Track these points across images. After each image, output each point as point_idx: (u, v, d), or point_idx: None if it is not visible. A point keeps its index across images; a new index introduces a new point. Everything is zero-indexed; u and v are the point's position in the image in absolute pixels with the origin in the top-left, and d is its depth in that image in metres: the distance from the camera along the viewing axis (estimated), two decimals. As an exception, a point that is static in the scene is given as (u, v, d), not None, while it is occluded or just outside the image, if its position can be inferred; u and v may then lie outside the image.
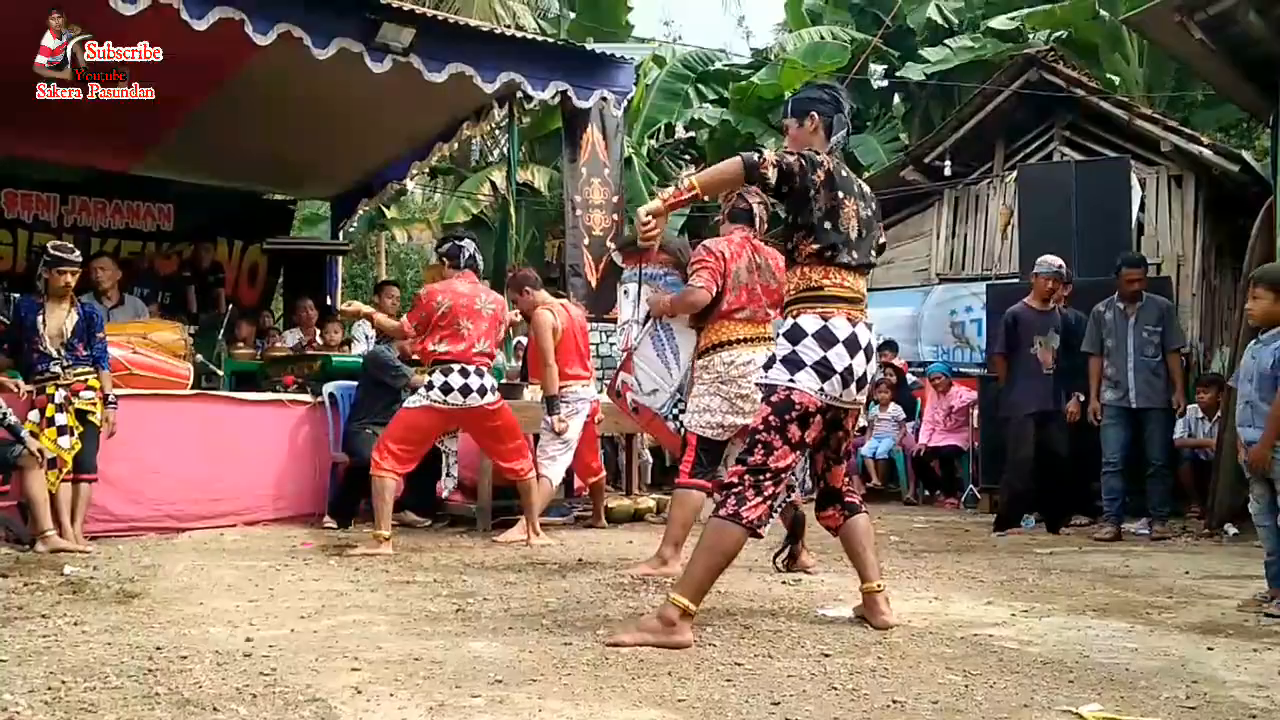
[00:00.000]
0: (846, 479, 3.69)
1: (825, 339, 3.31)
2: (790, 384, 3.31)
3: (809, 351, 3.31)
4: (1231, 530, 6.41)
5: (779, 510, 4.48)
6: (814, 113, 3.53)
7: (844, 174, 3.44)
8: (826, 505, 3.68)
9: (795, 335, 3.35)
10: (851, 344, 3.34)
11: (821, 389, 3.30)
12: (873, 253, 3.55)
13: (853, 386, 3.37)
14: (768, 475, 3.29)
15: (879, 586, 3.56)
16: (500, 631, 3.41)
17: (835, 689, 2.73)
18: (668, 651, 3.09)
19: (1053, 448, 6.67)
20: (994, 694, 2.71)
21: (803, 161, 3.34)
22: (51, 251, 5.57)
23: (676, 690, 2.69)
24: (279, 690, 2.66)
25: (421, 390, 5.52)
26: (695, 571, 3.28)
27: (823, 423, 3.39)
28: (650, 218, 3.40)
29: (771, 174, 3.29)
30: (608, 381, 5.46)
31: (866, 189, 3.56)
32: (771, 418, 3.32)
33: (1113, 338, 6.68)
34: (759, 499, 3.27)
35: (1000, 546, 6.02)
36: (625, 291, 5.11)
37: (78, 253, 5.63)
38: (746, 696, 2.65)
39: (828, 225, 3.35)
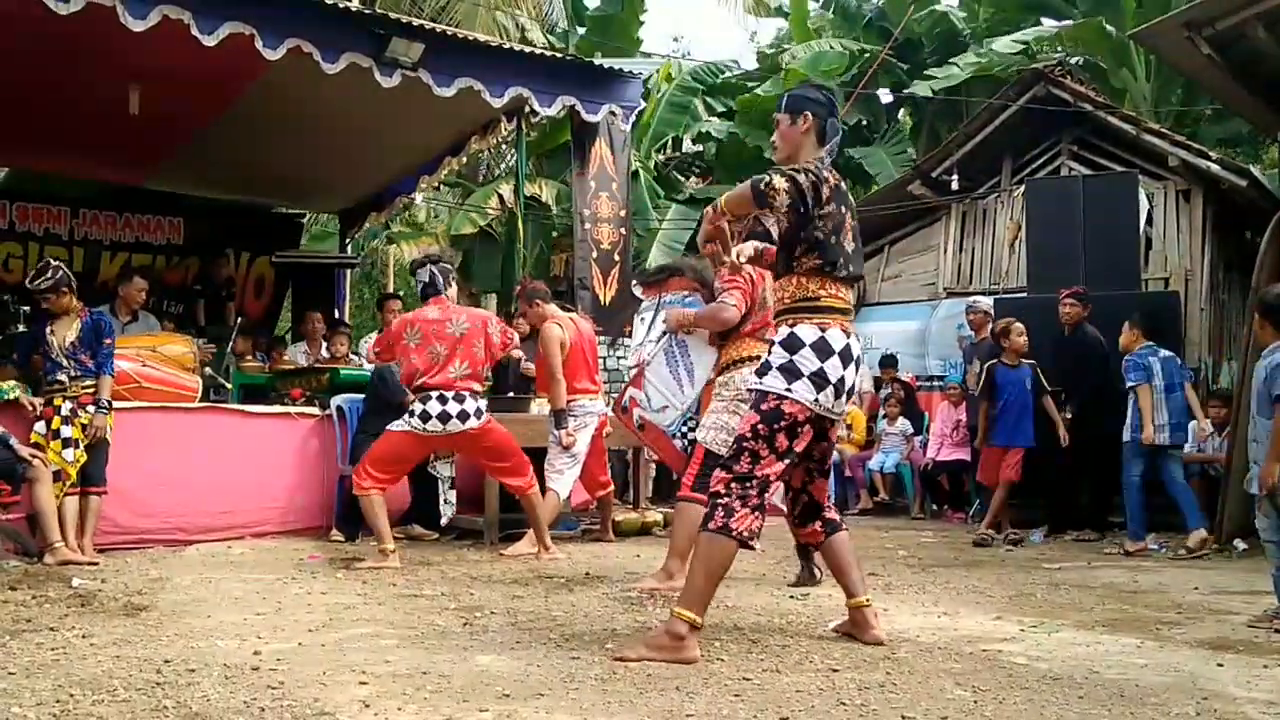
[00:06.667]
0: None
1: (822, 350, 3.30)
2: (785, 393, 3.29)
3: (806, 362, 3.29)
4: (1241, 546, 6.38)
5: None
6: (808, 112, 3.47)
7: (842, 187, 3.43)
8: (808, 520, 3.67)
9: (792, 344, 3.32)
10: (845, 355, 3.33)
11: (816, 399, 3.29)
12: (862, 263, 3.56)
13: (843, 398, 3.38)
14: (753, 484, 3.27)
15: (867, 601, 3.55)
16: (508, 645, 3.40)
17: (844, 704, 2.72)
18: (675, 666, 3.08)
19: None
20: (1003, 710, 2.70)
21: (811, 179, 3.29)
22: (28, 285, 5.66)
23: (685, 705, 2.69)
24: (287, 704, 2.66)
25: (405, 416, 5.54)
26: (695, 583, 3.28)
27: (810, 433, 3.37)
28: (709, 242, 3.46)
29: (782, 199, 3.24)
30: (615, 396, 5.44)
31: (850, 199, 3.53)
32: (760, 425, 3.30)
33: None
34: (745, 509, 3.25)
35: (1009, 561, 6.00)
36: (641, 319, 5.10)
37: (52, 275, 5.57)
38: (754, 711, 2.64)
39: (832, 241, 3.35)
